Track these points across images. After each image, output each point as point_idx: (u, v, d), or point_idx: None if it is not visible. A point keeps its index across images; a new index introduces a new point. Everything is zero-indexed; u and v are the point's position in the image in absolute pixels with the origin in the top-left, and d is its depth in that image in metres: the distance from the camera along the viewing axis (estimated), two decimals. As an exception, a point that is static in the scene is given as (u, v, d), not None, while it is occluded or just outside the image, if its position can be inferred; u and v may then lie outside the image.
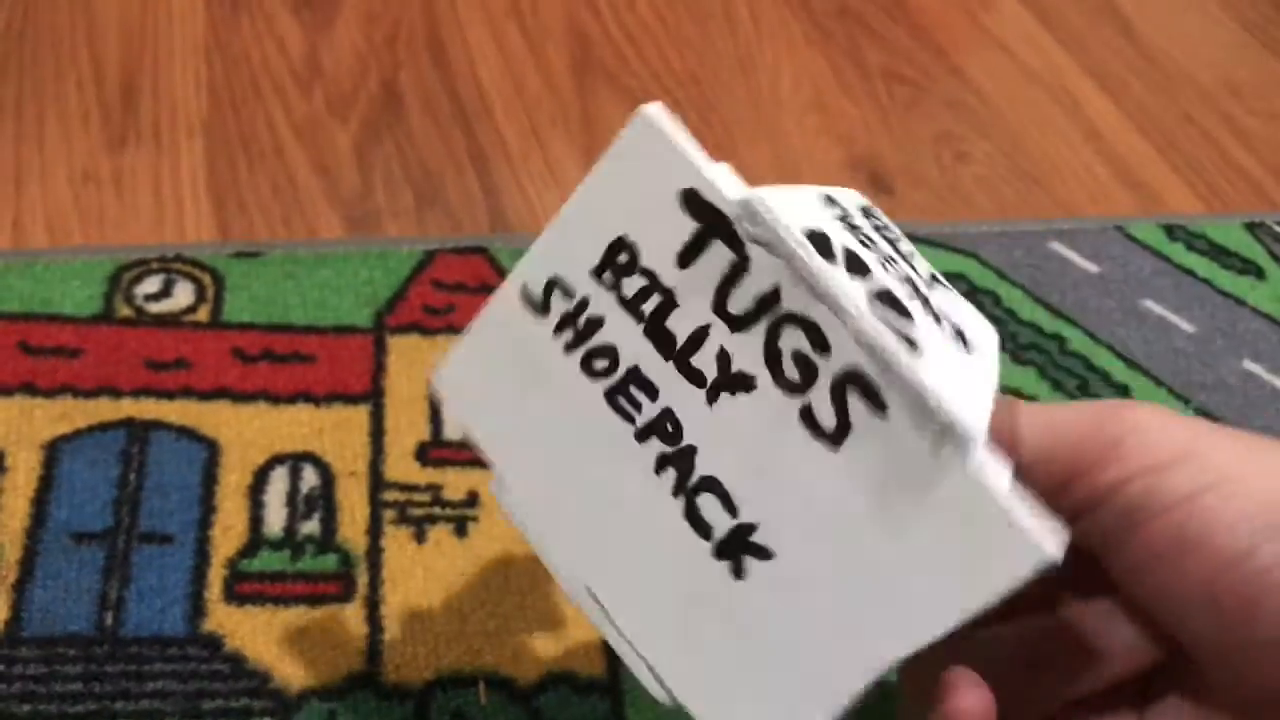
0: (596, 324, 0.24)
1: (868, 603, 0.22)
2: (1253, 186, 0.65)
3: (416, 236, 0.54)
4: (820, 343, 0.21)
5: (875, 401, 0.21)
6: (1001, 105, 0.68)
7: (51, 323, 0.46)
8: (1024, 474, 0.22)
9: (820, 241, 0.22)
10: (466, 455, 0.44)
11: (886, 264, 0.23)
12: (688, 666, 0.24)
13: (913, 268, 0.24)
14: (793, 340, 0.22)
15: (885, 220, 0.26)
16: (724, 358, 0.23)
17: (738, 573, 0.23)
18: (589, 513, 0.25)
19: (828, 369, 0.21)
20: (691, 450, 0.23)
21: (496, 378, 0.26)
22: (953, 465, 0.20)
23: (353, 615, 0.39)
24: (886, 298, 0.22)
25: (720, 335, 0.23)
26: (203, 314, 0.48)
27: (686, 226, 0.23)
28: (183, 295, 0.48)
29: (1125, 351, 0.53)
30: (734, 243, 0.22)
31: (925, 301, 0.23)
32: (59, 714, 0.36)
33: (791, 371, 0.22)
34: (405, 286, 0.50)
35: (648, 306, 0.23)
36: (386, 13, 0.67)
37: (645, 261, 0.23)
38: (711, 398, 0.23)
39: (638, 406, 0.24)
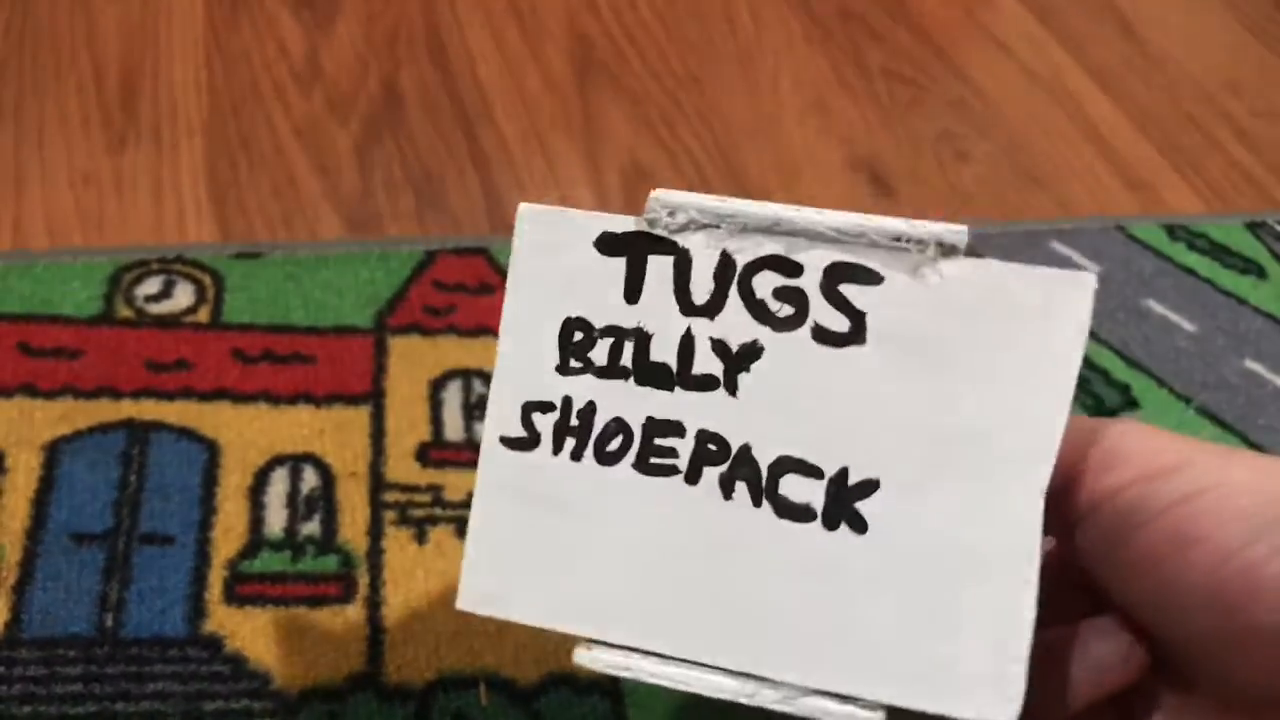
0: (590, 411, 0.24)
1: (988, 456, 0.21)
2: (1254, 186, 0.65)
3: (417, 237, 0.54)
4: (790, 267, 0.22)
5: (867, 276, 0.22)
6: (1002, 105, 0.68)
7: (52, 324, 0.46)
8: None
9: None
10: (467, 456, 0.44)
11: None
12: (875, 664, 0.22)
13: None
14: (766, 283, 0.23)
15: None
16: (720, 346, 0.23)
17: (859, 526, 0.22)
18: (696, 596, 0.23)
19: (811, 283, 0.22)
20: (746, 449, 0.23)
21: (525, 547, 0.24)
22: (961, 269, 0.21)
23: (353, 616, 0.39)
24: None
25: (704, 329, 0.23)
26: (203, 315, 0.48)
27: (617, 266, 0.23)
28: (183, 296, 0.48)
29: (1126, 351, 0.53)
30: (665, 246, 0.23)
31: None
32: (59, 715, 0.36)
33: (783, 309, 0.22)
34: (406, 287, 0.50)
35: (626, 359, 0.24)
36: (386, 13, 0.67)
37: (600, 322, 0.24)
38: (731, 388, 0.23)
39: (672, 454, 0.23)
